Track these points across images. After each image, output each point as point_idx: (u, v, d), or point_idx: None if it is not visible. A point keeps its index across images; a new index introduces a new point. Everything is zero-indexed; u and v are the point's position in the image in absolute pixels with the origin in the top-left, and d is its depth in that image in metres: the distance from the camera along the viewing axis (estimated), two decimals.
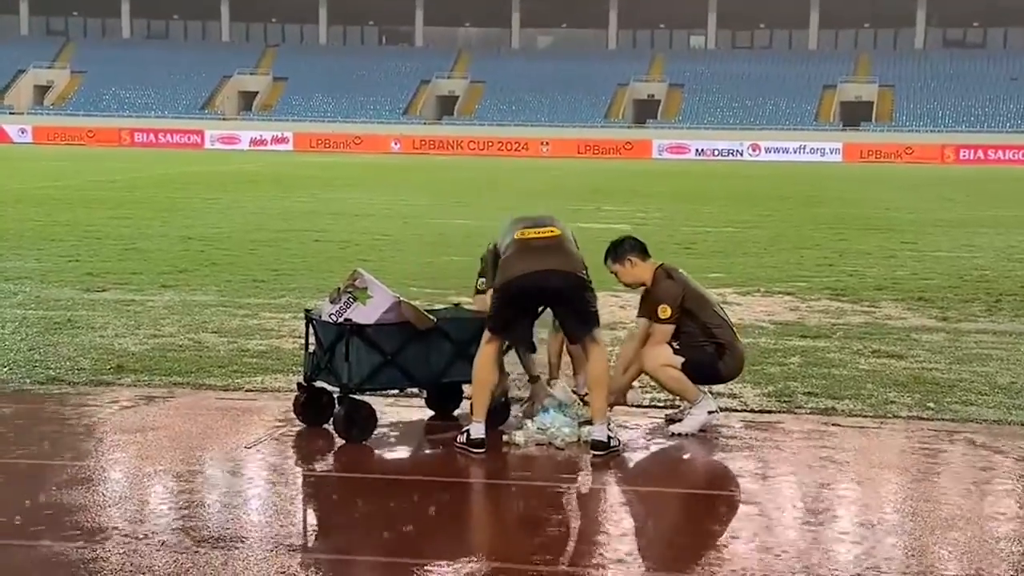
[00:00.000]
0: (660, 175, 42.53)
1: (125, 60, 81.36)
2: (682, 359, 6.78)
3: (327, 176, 37.00)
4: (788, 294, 12.15)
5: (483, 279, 6.81)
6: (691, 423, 6.78)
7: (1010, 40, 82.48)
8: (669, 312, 6.69)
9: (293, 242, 16.31)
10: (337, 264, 13.94)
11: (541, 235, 6.40)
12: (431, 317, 6.72)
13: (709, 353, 6.82)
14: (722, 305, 7.35)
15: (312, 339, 6.86)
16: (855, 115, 73.23)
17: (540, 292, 6.35)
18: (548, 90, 76.51)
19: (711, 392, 7.11)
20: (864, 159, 63.03)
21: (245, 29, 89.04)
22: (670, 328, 6.73)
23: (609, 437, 6.33)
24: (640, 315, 7.02)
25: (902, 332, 9.99)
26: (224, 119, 75.30)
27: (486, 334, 6.46)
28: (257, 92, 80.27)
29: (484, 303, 6.65)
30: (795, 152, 64.50)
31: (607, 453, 6.28)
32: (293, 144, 67.90)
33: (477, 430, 6.34)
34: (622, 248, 6.90)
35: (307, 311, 6.98)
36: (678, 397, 7.04)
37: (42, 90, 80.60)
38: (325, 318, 6.68)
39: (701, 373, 6.84)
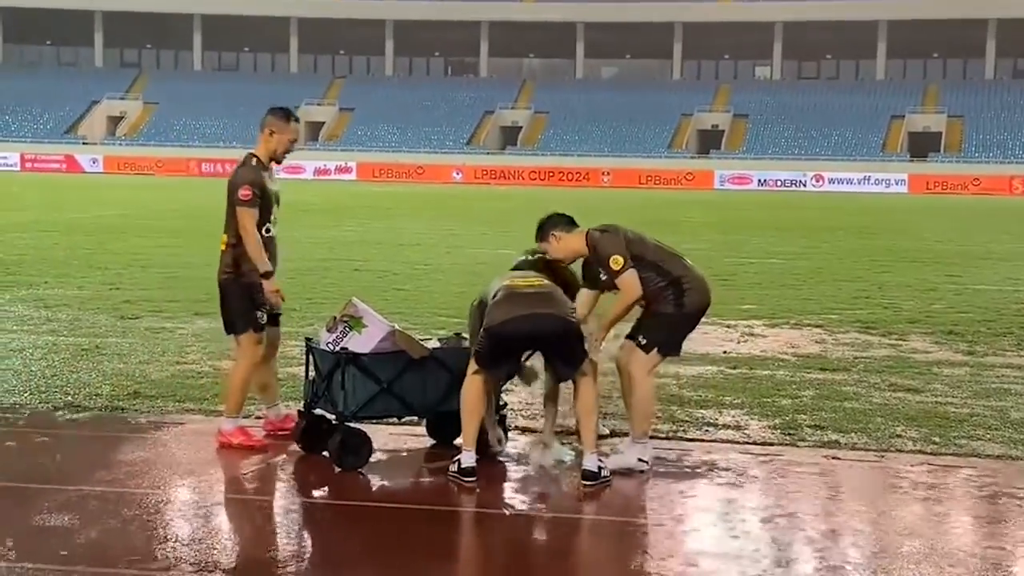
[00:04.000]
0: (717, 206, 42.34)
1: (196, 91, 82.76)
2: (648, 333, 6.66)
3: (383, 206, 37.34)
4: (817, 327, 12.06)
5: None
6: (618, 461, 6.63)
7: None
8: (622, 261, 6.50)
9: (333, 271, 16.50)
10: (372, 293, 14.05)
11: (530, 283, 6.43)
12: (425, 347, 6.80)
13: (671, 304, 6.61)
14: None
15: (312, 367, 6.97)
16: (923, 146, 72.35)
17: (529, 336, 6.35)
18: (612, 120, 76.58)
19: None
20: (930, 190, 62.24)
21: (313, 61, 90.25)
22: (632, 275, 6.49)
23: (600, 467, 6.34)
24: (584, 286, 6.89)
25: (924, 366, 9.88)
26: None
27: (472, 364, 6.48)
28: (324, 122, 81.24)
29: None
30: (859, 183, 63.87)
31: (598, 483, 6.29)
32: (356, 174, 68.58)
33: (468, 459, 6.35)
34: (545, 226, 6.77)
35: (307, 339, 7.10)
36: (628, 423, 6.88)
37: (115, 121, 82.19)
38: (323, 347, 6.78)
39: (671, 327, 6.66)
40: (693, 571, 5.11)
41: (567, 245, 6.74)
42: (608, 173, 66.62)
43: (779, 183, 64.96)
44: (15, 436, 7.20)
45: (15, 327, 11.09)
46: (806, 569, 5.15)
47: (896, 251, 22.08)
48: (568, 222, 6.79)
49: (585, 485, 6.28)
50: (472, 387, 6.43)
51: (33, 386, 8.47)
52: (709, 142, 76.13)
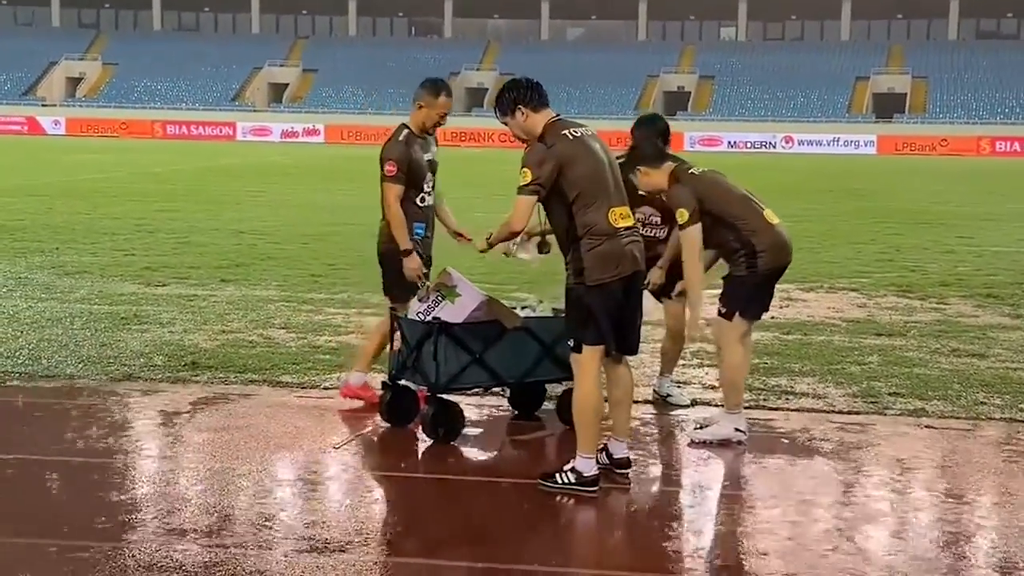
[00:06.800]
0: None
1: (156, 52, 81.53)
2: (725, 300, 6.52)
3: (362, 169, 36.72)
4: (853, 290, 12.01)
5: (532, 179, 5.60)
6: (715, 431, 6.55)
7: None
8: (686, 216, 6.32)
9: (343, 236, 16.24)
10: None
11: (629, 224, 5.64)
12: (519, 315, 6.62)
13: (743, 267, 6.44)
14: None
15: (399, 338, 6.78)
16: (888, 107, 72.65)
17: (633, 293, 5.73)
18: (578, 82, 76.22)
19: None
20: (899, 151, 62.53)
21: (275, 21, 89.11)
22: (694, 231, 6.32)
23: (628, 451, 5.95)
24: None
25: (978, 330, 9.82)
26: (255, 111, 75.41)
27: (586, 352, 5.55)
28: (287, 84, 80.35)
29: (525, 207, 5.64)
30: (829, 144, 64.06)
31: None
32: (324, 136, 67.89)
33: (588, 467, 5.58)
34: (634, 159, 6.61)
35: (392, 308, 6.90)
36: (721, 395, 6.85)
37: (74, 82, 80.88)
38: (412, 316, 6.59)
39: (746, 289, 6.47)
40: (829, 543, 4.99)
41: (652, 181, 6.58)
42: None
43: (749, 145, 64.98)
44: (94, 411, 6.96)
45: (44, 295, 10.79)
46: (946, 544, 5.04)
47: (895, 213, 22.08)
48: (657, 156, 6.60)
49: (620, 473, 5.80)
50: (591, 380, 5.58)
51: (84, 357, 8.23)
52: (676, 103, 76.00)
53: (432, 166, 6.96)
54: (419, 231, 6.86)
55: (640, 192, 6.74)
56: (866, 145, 63.92)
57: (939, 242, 16.71)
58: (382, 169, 6.76)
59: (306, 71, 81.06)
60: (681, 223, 6.37)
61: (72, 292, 11.01)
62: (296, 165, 38.40)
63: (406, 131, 6.86)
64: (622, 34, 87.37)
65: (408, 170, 6.75)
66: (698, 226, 6.35)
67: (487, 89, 78.75)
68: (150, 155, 43.24)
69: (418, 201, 6.85)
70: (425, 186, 6.89)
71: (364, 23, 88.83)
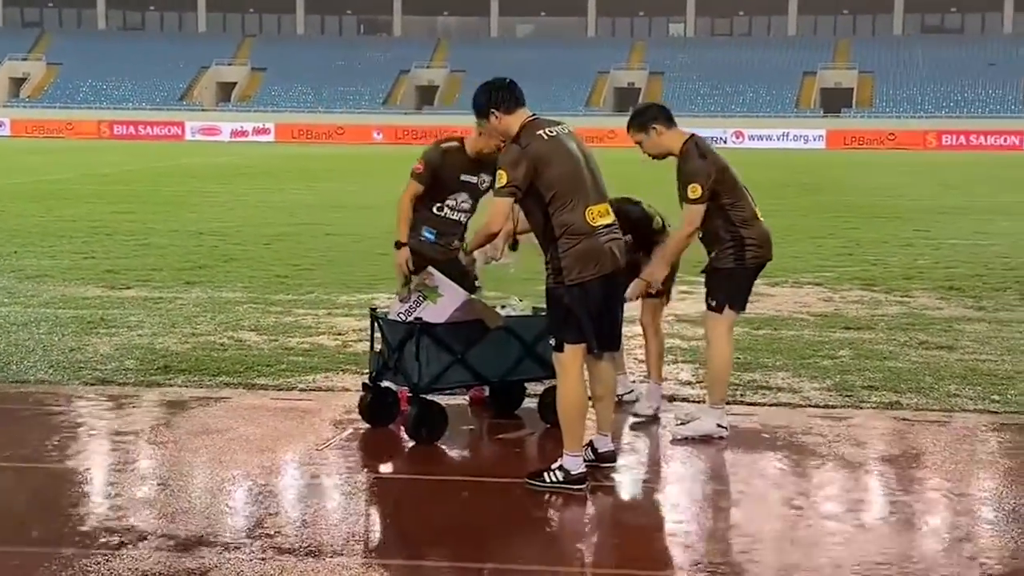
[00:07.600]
0: (652, 163, 42.41)
1: (101, 51, 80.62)
2: (714, 293, 6.53)
3: (317, 168, 36.75)
4: (817, 284, 12.11)
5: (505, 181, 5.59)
6: (697, 427, 6.57)
7: (987, 25, 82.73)
8: (699, 192, 6.27)
9: (305, 236, 16.16)
10: (357, 258, 13.81)
11: (608, 221, 5.66)
12: (501, 315, 6.61)
13: (731, 260, 6.44)
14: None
15: (378, 338, 6.75)
16: (835, 102, 73.28)
17: (613, 291, 5.76)
18: (528, 78, 75.26)
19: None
20: (848, 145, 63.11)
21: (222, 19, 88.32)
22: (700, 209, 6.30)
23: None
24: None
25: (944, 323, 9.94)
26: (204, 110, 74.74)
27: (568, 351, 5.59)
28: (235, 83, 79.70)
29: (501, 209, 5.65)
30: (779, 139, 64.51)
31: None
32: (275, 135, 67.40)
33: (576, 465, 5.60)
34: (645, 116, 6.56)
35: (372, 310, 6.88)
36: (704, 389, 6.90)
37: (18, 82, 79.76)
38: (393, 317, 6.56)
39: (733, 281, 6.51)
40: (833, 537, 5.03)
41: (663, 142, 6.50)
42: None
43: None
44: (70, 416, 6.87)
45: (7, 300, 10.64)
46: (944, 538, 5.10)
47: (851, 207, 22.27)
48: (669, 118, 6.55)
49: (606, 466, 5.90)
50: (574, 379, 5.61)
51: (54, 362, 8.13)
52: (626, 100, 76.13)
53: (470, 188, 6.82)
54: (428, 235, 6.81)
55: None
56: (815, 140, 64.45)
57: (897, 235, 16.89)
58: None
59: (255, 70, 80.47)
60: (693, 198, 6.30)
61: (35, 296, 10.86)
62: (249, 165, 38.07)
63: (455, 144, 6.80)
64: (572, 30, 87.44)
65: (434, 177, 6.71)
66: (704, 206, 6.32)
67: (438, 87, 78.59)
68: (98, 155, 42.72)
69: (434, 209, 6.81)
70: (449, 200, 6.79)
71: (312, 21, 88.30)
